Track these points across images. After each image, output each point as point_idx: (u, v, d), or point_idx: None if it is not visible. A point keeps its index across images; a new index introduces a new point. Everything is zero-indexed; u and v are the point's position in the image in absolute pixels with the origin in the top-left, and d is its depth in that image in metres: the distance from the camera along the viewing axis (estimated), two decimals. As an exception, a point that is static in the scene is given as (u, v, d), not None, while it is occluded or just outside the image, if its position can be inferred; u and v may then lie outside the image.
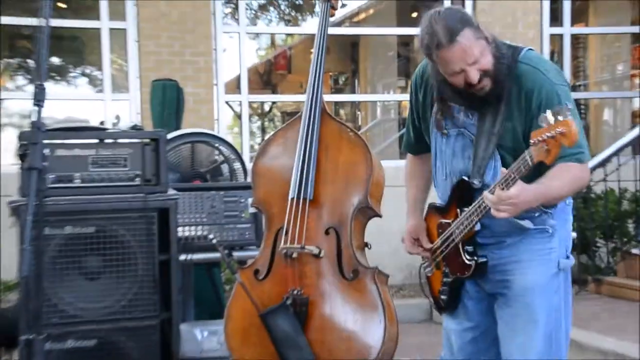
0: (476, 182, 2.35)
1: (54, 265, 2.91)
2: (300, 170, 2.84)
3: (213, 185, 3.88)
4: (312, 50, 3.01)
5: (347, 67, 12.46)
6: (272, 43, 13.25)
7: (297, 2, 12.01)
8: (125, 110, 6.60)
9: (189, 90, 6.15)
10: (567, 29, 7.44)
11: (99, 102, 6.71)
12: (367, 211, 2.85)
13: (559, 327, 2.42)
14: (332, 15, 3.04)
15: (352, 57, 12.07)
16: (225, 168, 4.03)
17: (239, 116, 7.68)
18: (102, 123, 3.94)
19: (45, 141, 2.20)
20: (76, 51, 9.57)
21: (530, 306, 2.38)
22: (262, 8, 11.81)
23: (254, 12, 11.52)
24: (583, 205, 6.23)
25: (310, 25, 11.73)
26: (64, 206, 2.96)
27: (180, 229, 3.59)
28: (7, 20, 6.42)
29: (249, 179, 3.90)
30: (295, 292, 2.77)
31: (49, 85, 2.33)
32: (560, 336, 2.42)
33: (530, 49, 2.38)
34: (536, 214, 2.37)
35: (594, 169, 5.76)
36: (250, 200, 3.43)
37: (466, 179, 2.38)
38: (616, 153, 5.94)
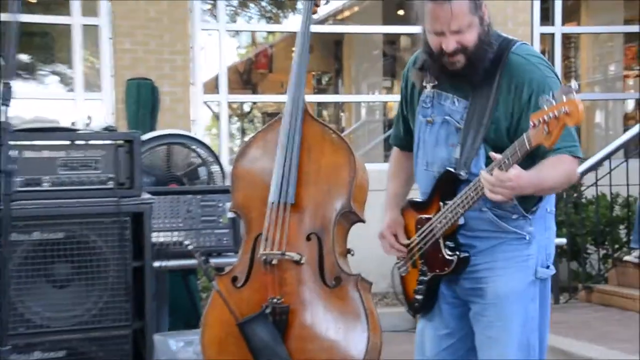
0: (462, 174, 2.36)
1: (20, 272, 2.89)
2: (281, 174, 2.84)
3: (190, 189, 3.87)
4: (294, 48, 3.02)
5: (331, 67, 12.49)
6: (253, 41, 13.25)
7: (278, -1, 12.03)
8: (98, 110, 6.57)
9: (166, 89, 6.14)
10: (558, 28, 7.51)
11: (70, 102, 6.68)
12: (350, 216, 2.85)
13: (534, 337, 2.42)
14: (315, 12, 3.05)
15: (336, 56, 12.10)
16: (202, 171, 4.03)
17: (217, 117, 7.67)
18: (73, 124, 3.92)
19: (13, 142, 2.19)
20: (46, 48, 9.52)
21: (505, 314, 2.38)
22: (242, 5, 11.81)
23: (233, 8, 11.52)
24: (574, 210, 6.29)
25: (292, 22, 11.75)
26: (32, 211, 2.94)
27: (155, 234, 3.57)
28: (-28, 15, 6.38)
29: (227, 183, 3.91)
30: (274, 300, 2.77)
31: (16, 84, 2.31)
32: (535, 347, 2.42)
33: (524, 43, 2.42)
34: (514, 216, 2.38)
35: (585, 172, 5.81)
36: (228, 204, 3.42)
37: (452, 170, 2.39)
38: (608, 156, 5.99)
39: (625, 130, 8.18)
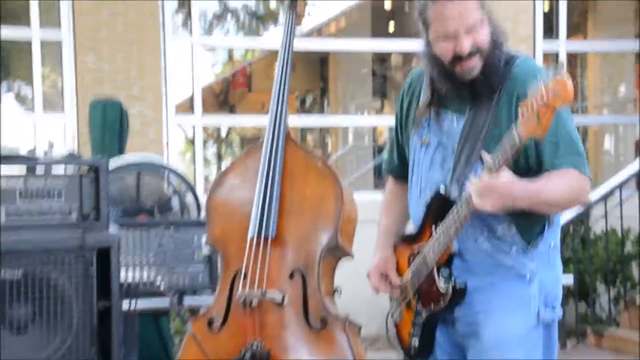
0: (455, 193, 2.37)
1: (-27, 315, 2.89)
2: (261, 205, 2.87)
3: (161, 221, 3.88)
4: (276, 66, 3.06)
5: (316, 86, 12.57)
6: (230, 58, 13.32)
7: (258, 12, 12.12)
8: (60, 133, 6.58)
9: (135, 111, 6.15)
10: (562, 44, 7.61)
11: (28, 123, 6.68)
12: (337, 251, 2.88)
13: None
14: (299, 24, 3.10)
15: (321, 74, 12.20)
16: (175, 201, 4.04)
17: (192, 141, 7.70)
18: (31, 151, 3.93)
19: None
20: (2, 64, 9.52)
21: None
22: (219, 17, 11.90)
23: (209, 21, 11.61)
24: (582, 246, 6.33)
25: (273, 37, 11.84)
26: (-14, 246, 2.94)
27: (123, 271, 3.57)
28: None
29: (202, 214, 3.93)
30: (254, 344, 2.78)
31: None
32: None
33: (528, 58, 2.48)
34: (513, 249, 2.38)
35: (593, 204, 5.86)
36: (204, 238, 3.44)
37: (442, 190, 2.40)
38: (619, 186, 6.03)
39: (637, 156, 8.27)
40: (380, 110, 11.25)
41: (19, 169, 3.21)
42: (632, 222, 6.26)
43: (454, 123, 2.45)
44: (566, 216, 5.66)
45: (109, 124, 4.62)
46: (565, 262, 5.76)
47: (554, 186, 2.24)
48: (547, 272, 2.45)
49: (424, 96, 2.51)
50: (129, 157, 4.23)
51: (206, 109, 7.38)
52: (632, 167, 6.31)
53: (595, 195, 5.87)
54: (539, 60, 7.39)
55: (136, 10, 6.59)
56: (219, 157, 13.84)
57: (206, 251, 3.70)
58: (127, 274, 3.62)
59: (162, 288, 2.94)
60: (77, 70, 6.50)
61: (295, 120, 9.76)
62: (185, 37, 7.76)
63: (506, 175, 2.18)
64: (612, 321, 6.14)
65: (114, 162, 3.98)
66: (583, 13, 9.97)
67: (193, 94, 7.00)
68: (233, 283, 2.88)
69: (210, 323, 2.89)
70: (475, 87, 2.37)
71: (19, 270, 2.96)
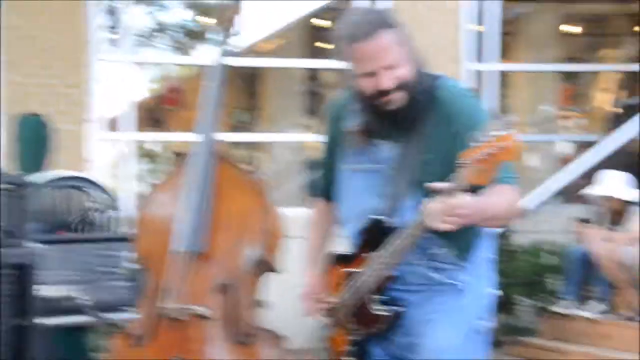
0: (391, 221, 2.39)
1: None
2: (187, 220, 2.85)
3: (84, 236, 3.83)
4: (207, 83, 3.05)
5: (247, 103, 12.57)
6: (162, 74, 13.23)
7: (190, 29, 12.08)
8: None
9: (59, 126, 6.05)
10: (491, 65, 7.77)
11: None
12: (263, 266, 2.88)
13: None
14: (230, 44, 3.09)
15: (253, 91, 12.20)
16: (99, 217, 3.99)
17: (120, 157, 7.60)
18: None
19: None
20: None
21: None
22: (149, 34, 11.81)
23: (139, 37, 11.51)
24: (503, 259, 6.46)
25: (205, 54, 11.80)
26: None
27: (43, 287, 3.50)
28: None
29: (126, 230, 3.88)
30: (178, 360, 2.76)
31: None
32: None
33: (449, 78, 2.48)
34: (448, 267, 2.43)
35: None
36: (127, 253, 3.40)
37: (378, 218, 2.42)
38: (540, 201, 6.21)
39: (560, 174, 8.49)
40: (311, 127, 11.31)
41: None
42: (552, 236, 6.43)
43: (386, 150, 2.46)
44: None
45: (33, 140, 4.55)
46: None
47: (497, 200, 2.27)
48: (479, 283, 2.50)
49: (353, 121, 2.51)
50: (53, 173, 4.16)
51: (136, 125, 7.30)
52: (553, 182, 6.50)
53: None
54: (468, 80, 7.54)
55: (62, 25, 6.49)
56: (149, 174, 13.70)
57: (130, 267, 3.66)
58: (48, 290, 3.56)
59: (84, 304, 2.89)
60: (2, 85, 6.36)
61: (226, 136, 9.76)
62: (113, 54, 7.67)
63: (462, 196, 2.18)
64: (532, 331, 6.29)
65: (37, 178, 3.91)
66: (509, 36, 10.24)
67: (122, 110, 6.93)
68: (157, 298, 2.85)
69: (133, 339, 2.85)
70: (400, 119, 2.39)
71: None
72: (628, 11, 10.36)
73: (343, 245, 2.63)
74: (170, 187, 3.00)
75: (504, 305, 6.28)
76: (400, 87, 2.34)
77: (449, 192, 2.17)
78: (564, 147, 10.69)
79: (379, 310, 2.43)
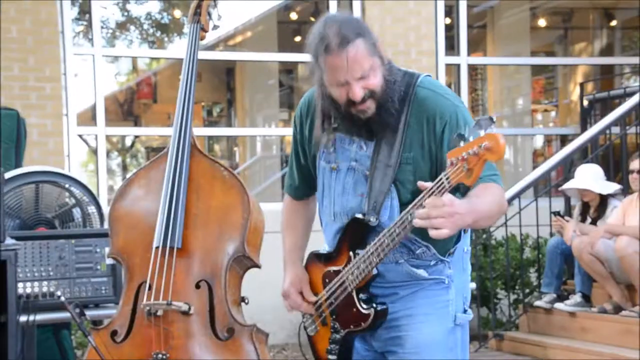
0: (372, 220, 2.40)
1: None
2: (166, 215, 2.84)
3: (62, 232, 3.80)
4: (181, 76, 3.04)
5: (222, 97, 12.52)
6: (134, 67, 13.13)
7: (162, 22, 12.00)
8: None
9: (33, 121, 6.00)
10: (463, 59, 7.82)
11: None
12: (244, 261, 2.88)
13: None
14: (203, 38, 3.09)
15: (228, 85, 12.15)
16: (77, 212, 3.96)
17: (94, 152, 7.55)
18: None
19: None
20: None
21: None
22: (121, 27, 11.72)
23: (111, 30, 11.41)
24: (483, 253, 6.53)
25: (178, 47, 11.74)
26: None
27: (20, 284, 3.48)
28: None
29: (105, 225, 3.86)
30: (160, 355, 2.75)
31: None
32: None
33: (428, 75, 2.49)
34: (432, 263, 2.45)
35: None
36: (107, 249, 3.38)
37: (360, 216, 2.42)
38: (517, 195, 6.26)
39: (535, 167, 8.59)
40: (287, 121, 11.29)
41: None
42: (530, 230, 6.48)
43: (362, 148, 2.46)
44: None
45: (6, 134, 4.50)
46: (468, 269, 5.97)
47: (486, 200, 2.28)
48: (460, 277, 2.53)
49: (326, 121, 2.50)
50: (29, 168, 4.12)
51: (109, 119, 7.26)
52: (530, 176, 6.56)
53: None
54: (441, 74, 7.58)
55: (33, 17, 6.43)
56: (124, 168, 13.60)
57: (109, 262, 3.64)
58: (26, 287, 3.54)
59: (62, 300, 2.87)
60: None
61: (202, 131, 9.74)
62: (86, 47, 7.61)
63: (448, 195, 2.16)
64: (511, 325, 6.35)
65: (13, 174, 3.87)
66: (483, 30, 10.29)
67: (95, 104, 6.88)
68: (137, 294, 2.84)
69: (113, 335, 2.84)
70: (371, 126, 2.40)
71: None
72: (598, 5, 10.48)
73: (322, 243, 2.63)
74: (144, 181, 2.98)
75: (485, 299, 6.35)
76: (372, 96, 2.35)
77: (435, 191, 2.17)
78: (537, 140, 10.79)
79: (362, 308, 2.45)
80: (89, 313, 3.60)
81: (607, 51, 10.76)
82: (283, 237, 2.74)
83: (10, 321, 3.00)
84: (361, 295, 2.45)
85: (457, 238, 2.49)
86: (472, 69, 9.50)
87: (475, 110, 10.27)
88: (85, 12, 8.52)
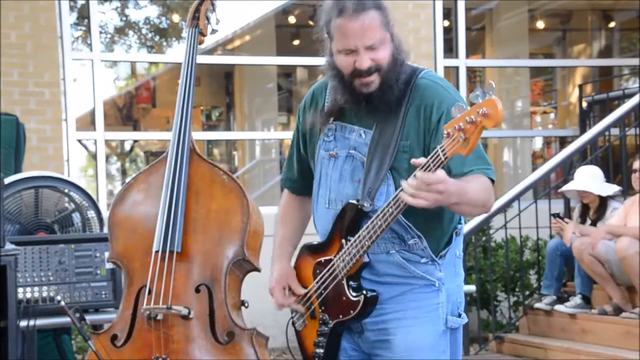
0: (366, 205, 2.39)
1: None
2: (166, 220, 2.84)
3: (62, 237, 3.80)
4: (179, 81, 3.05)
5: (221, 101, 12.53)
6: (133, 72, 13.14)
7: (160, 26, 12.01)
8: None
9: (32, 126, 6.01)
10: (462, 61, 7.83)
11: None
12: (244, 265, 2.88)
13: None
14: (201, 42, 3.10)
15: (227, 89, 12.16)
16: (76, 217, 3.97)
17: (94, 156, 7.56)
18: None
19: None
20: None
21: None
22: (120, 32, 11.73)
23: (110, 35, 11.43)
24: (483, 255, 6.53)
25: (176, 52, 11.75)
26: None
27: (21, 289, 3.48)
28: None
29: (105, 230, 3.86)
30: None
31: None
32: None
33: (431, 70, 2.52)
34: (422, 260, 2.43)
35: (494, 214, 6.05)
36: (107, 254, 3.38)
37: (354, 202, 2.41)
38: (517, 197, 6.26)
39: (534, 169, 8.59)
40: (286, 125, 11.31)
41: None
42: (530, 232, 6.48)
43: (361, 136, 2.47)
44: (468, 226, 5.83)
45: (5, 139, 4.50)
46: (468, 271, 5.98)
47: (476, 187, 2.29)
48: (453, 281, 2.51)
49: (330, 104, 2.52)
50: (29, 173, 4.12)
51: (108, 124, 7.27)
52: (529, 178, 6.55)
53: (495, 205, 6.05)
54: (441, 74, 7.58)
55: (32, 23, 6.44)
56: (123, 172, 13.61)
57: (109, 267, 3.64)
58: (26, 292, 3.54)
59: (62, 305, 2.87)
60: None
61: (201, 135, 9.75)
62: (85, 52, 7.62)
63: (441, 172, 2.17)
64: (512, 327, 6.34)
65: (11, 178, 3.88)
66: (481, 32, 10.31)
67: (94, 109, 6.88)
68: (137, 299, 2.84)
69: (113, 339, 2.84)
70: (372, 102, 2.41)
71: None
72: (597, 6, 10.49)
73: (314, 237, 2.61)
74: (143, 186, 2.99)
75: (485, 302, 6.34)
76: (378, 69, 2.37)
77: (427, 167, 2.17)
78: (536, 142, 10.79)
79: (351, 295, 2.42)
80: (89, 317, 3.59)
81: (605, 53, 10.78)
82: (275, 231, 2.73)
83: (11, 326, 3.01)
84: (351, 283, 2.43)
85: (449, 240, 2.48)
86: (471, 71, 9.51)
87: (475, 113, 10.24)
88: (84, 17, 8.54)
